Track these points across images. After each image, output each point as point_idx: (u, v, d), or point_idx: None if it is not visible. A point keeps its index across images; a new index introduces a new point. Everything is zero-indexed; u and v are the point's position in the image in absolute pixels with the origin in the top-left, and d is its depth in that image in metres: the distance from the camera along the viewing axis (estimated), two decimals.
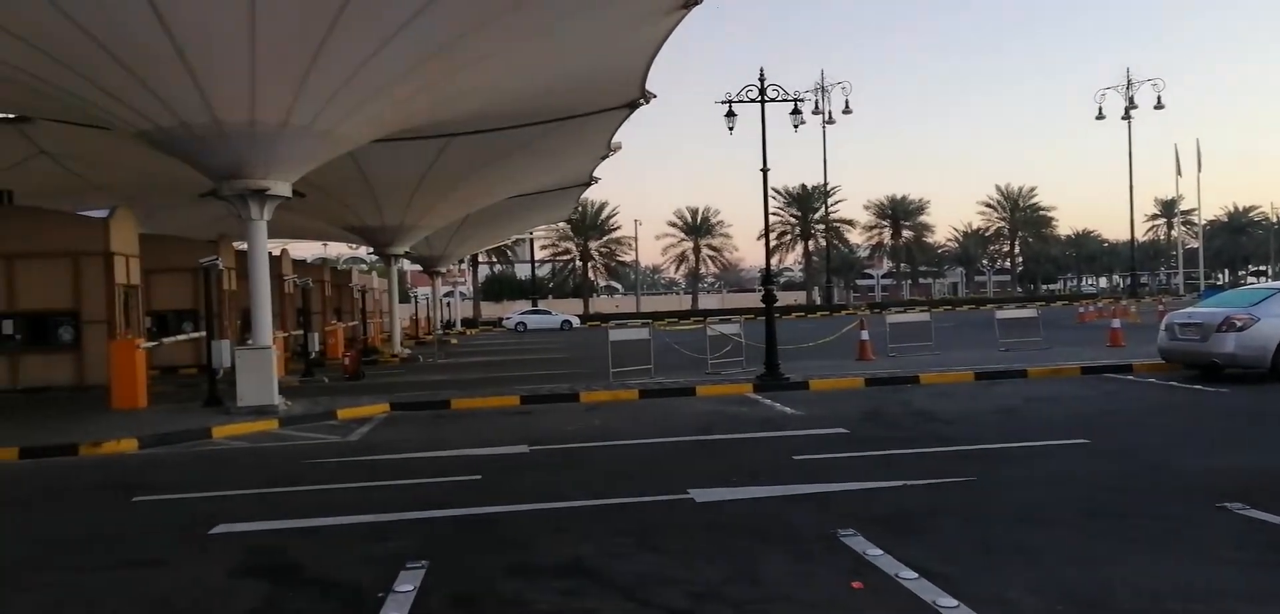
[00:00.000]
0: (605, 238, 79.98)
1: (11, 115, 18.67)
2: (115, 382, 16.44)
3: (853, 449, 10.57)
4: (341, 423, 14.58)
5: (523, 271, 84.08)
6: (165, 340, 22.11)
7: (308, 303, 27.06)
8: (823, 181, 76.80)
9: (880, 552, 6.11)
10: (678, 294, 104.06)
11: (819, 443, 11.02)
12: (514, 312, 62.01)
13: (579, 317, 61.98)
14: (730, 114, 17.96)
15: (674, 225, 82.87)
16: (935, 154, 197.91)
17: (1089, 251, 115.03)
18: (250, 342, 16.10)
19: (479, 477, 9.67)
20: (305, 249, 56.11)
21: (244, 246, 29.13)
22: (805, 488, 8.39)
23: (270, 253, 16.73)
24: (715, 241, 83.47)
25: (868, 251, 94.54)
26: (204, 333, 22.18)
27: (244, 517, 8.10)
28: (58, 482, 10.43)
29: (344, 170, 20.99)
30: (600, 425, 13.32)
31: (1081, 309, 44.27)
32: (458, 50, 14.16)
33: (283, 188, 15.41)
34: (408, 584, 5.80)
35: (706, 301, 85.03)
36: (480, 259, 74.95)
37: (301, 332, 25.68)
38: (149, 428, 13.48)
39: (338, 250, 68.41)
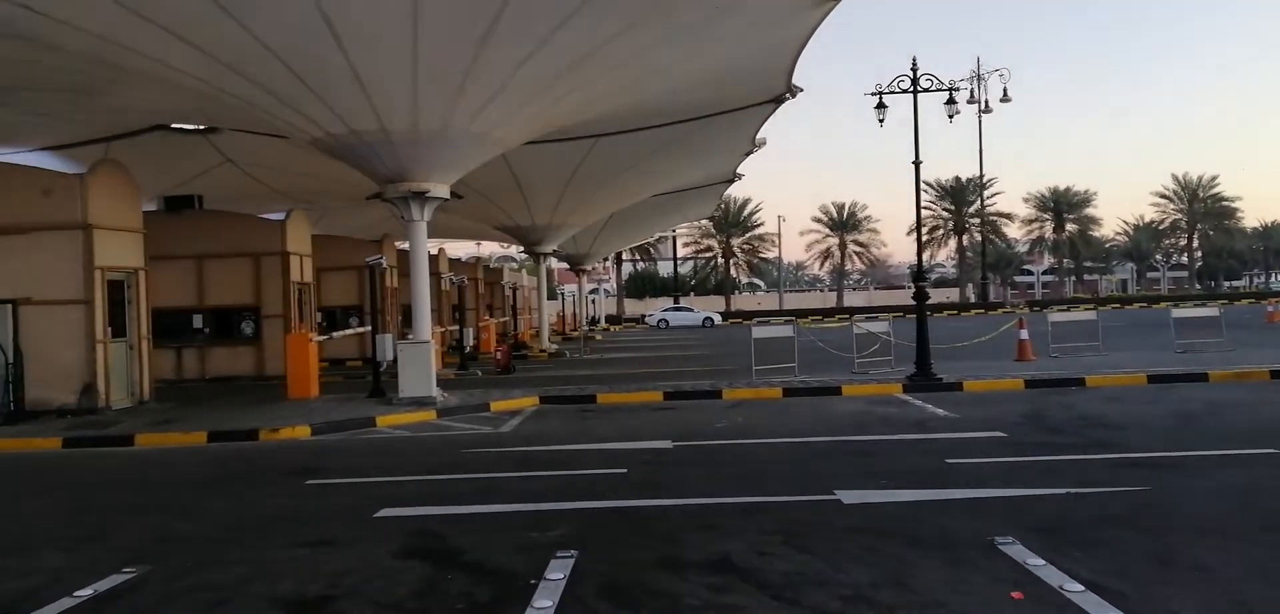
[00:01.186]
0: (748, 234, 79.48)
1: (203, 127, 20.38)
2: (290, 373, 17.69)
3: (1011, 454, 10.10)
4: (494, 414, 15.14)
5: (665, 269, 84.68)
6: (334, 334, 23.59)
7: (463, 299, 28.24)
8: (978, 173, 73.51)
9: (1042, 561, 5.82)
10: (822, 291, 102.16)
11: (974, 447, 10.59)
12: (656, 309, 62.60)
13: (720, 314, 61.88)
14: (881, 106, 17.49)
15: (818, 221, 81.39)
16: (1102, 143, 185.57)
17: (1279, 245, 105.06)
18: (411, 336, 16.97)
19: (624, 470, 9.83)
20: (460, 248, 58.50)
21: (405, 246, 30.72)
22: (959, 493, 8.09)
23: (428, 252, 17.57)
24: (862, 237, 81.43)
25: (1027, 246, 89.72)
26: (369, 327, 23.53)
27: (406, 501, 8.56)
28: (242, 465, 11.32)
29: (497, 172, 21.78)
30: (744, 422, 13.28)
31: (1270, 308, 40.45)
32: (607, 52, 14.43)
33: (442, 190, 16.15)
34: (558, 573, 5.98)
35: (852, 299, 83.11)
36: (624, 257, 76.06)
37: (457, 327, 26.84)
38: (320, 416, 14.44)
39: (490, 249, 70.98)
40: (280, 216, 23.53)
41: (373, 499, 8.64)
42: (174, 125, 19.98)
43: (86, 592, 6.01)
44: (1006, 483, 8.45)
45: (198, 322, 22.58)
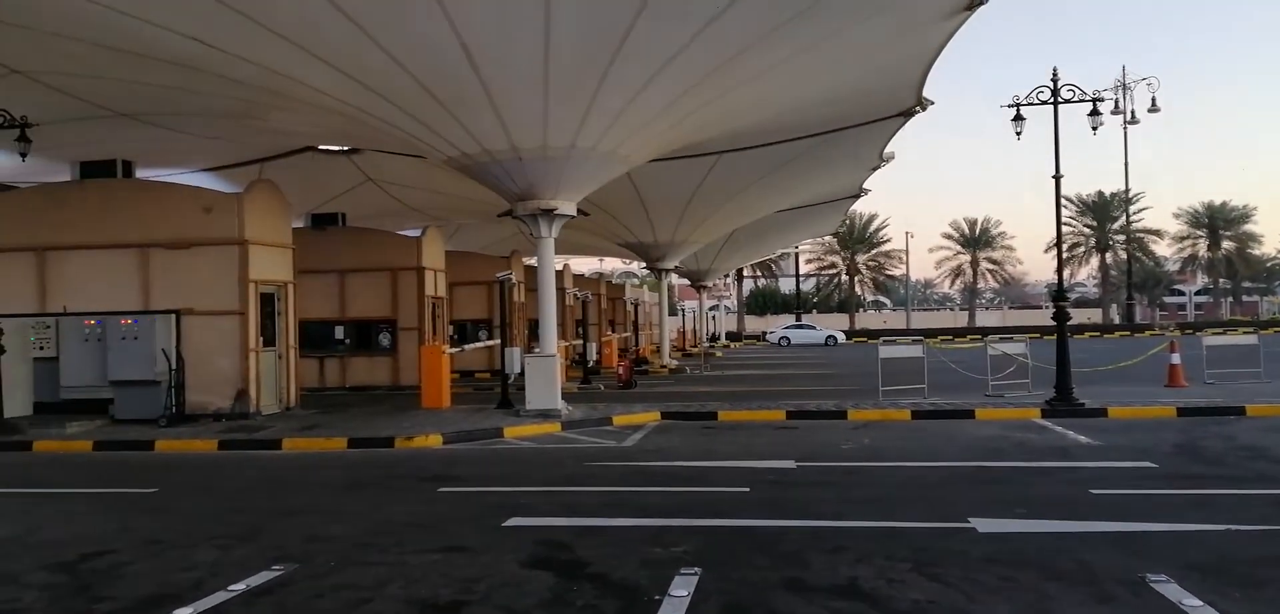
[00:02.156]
0: (873, 251, 77.67)
1: (347, 148, 21.53)
2: (424, 383, 18.39)
3: (1162, 486, 9.48)
4: (617, 428, 15.31)
5: (787, 286, 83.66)
6: (465, 347, 24.39)
7: (586, 315, 28.72)
8: (1123, 187, 69.49)
9: (1199, 602, 5.44)
10: (952, 310, 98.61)
11: (1121, 477, 10.00)
12: (777, 326, 61.88)
13: (844, 332, 60.61)
14: (1018, 118, 16.79)
15: (949, 237, 78.69)
16: (1262, 156, 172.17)
17: None
18: (537, 350, 17.37)
19: (747, 489, 9.76)
20: (583, 264, 59.61)
21: (533, 262, 31.48)
22: (1105, 525, 7.65)
23: (555, 268, 17.96)
24: (995, 254, 78.23)
25: (1177, 265, 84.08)
26: (497, 341, 24.22)
27: (533, 511, 8.76)
28: (379, 471, 11.84)
29: (621, 190, 22.10)
30: (871, 445, 12.96)
31: None
32: (732, 70, 14.45)
33: (569, 207, 16.50)
34: (682, 589, 5.99)
35: (985, 318, 79.90)
36: (745, 273, 75.61)
37: (580, 341, 27.31)
38: (451, 426, 14.95)
39: (612, 265, 72.01)
40: (416, 233, 24.55)
41: (502, 508, 8.87)
42: (321, 147, 21.21)
43: (239, 586, 6.41)
44: (1158, 517, 7.93)
45: (339, 333, 23.77)
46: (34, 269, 17.05)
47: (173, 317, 16.51)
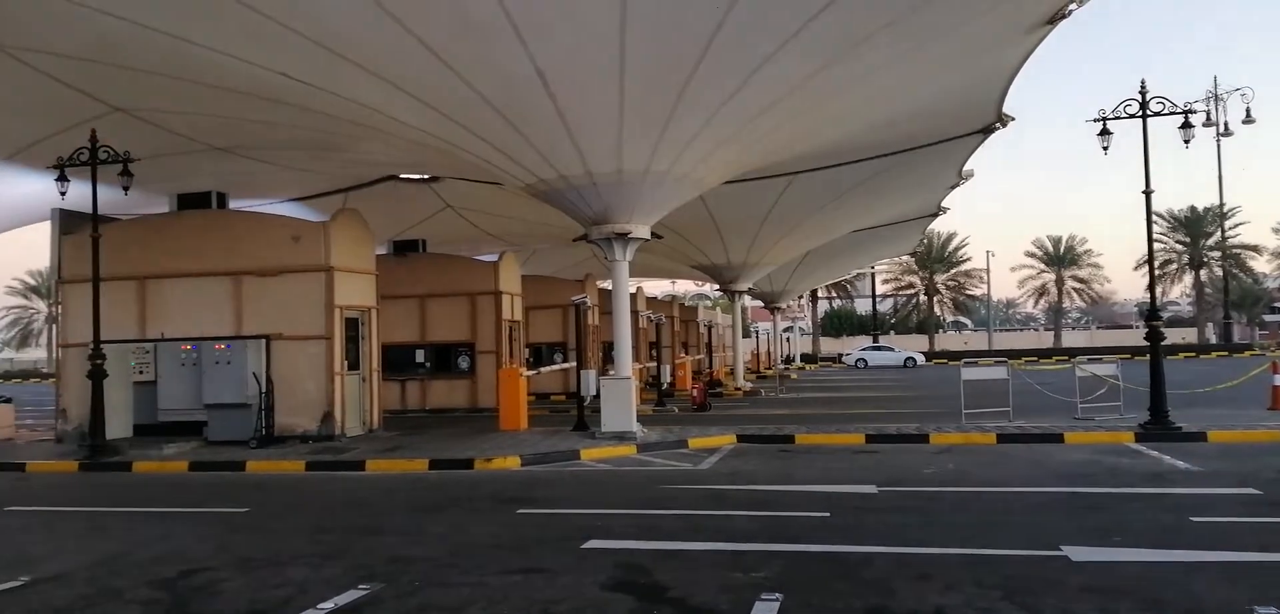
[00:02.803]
0: (952, 270, 75.89)
1: (427, 176, 22.08)
2: (502, 406, 18.64)
3: (1268, 514, 9.01)
4: (692, 451, 15.25)
5: (863, 306, 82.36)
6: (541, 370, 24.65)
7: (659, 337, 28.77)
8: (1218, 202, 66.56)
9: None
10: (1036, 330, 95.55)
11: (1222, 504, 9.54)
12: (854, 347, 60.87)
13: (923, 353, 59.29)
14: (1105, 132, 16.25)
15: (1032, 255, 76.38)
16: None
17: None
18: (612, 372, 17.45)
19: (827, 514, 9.61)
20: (656, 286, 59.74)
21: (606, 285, 31.66)
22: (1207, 555, 7.30)
23: (628, 290, 18.05)
24: (1081, 272, 75.63)
25: (1279, 282, 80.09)
26: (572, 363, 24.40)
27: (612, 534, 8.78)
28: (460, 491, 12.02)
29: (694, 212, 22.13)
30: (955, 469, 12.63)
31: None
32: (806, 92, 14.37)
33: (642, 230, 16.60)
34: None
35: (1071, 338, 77.23)
36: (819, 294, 74.72)
37: (654, 363, 27.33)
38: (529, 448, 15.11)
39: (685, 287, 71.96)
40: (493, 258, 24.97)
41: (580, 530, 8.91)
42: (403, 176, 21.80)
43: (328, 605, 6.58)
44: (1264, 546, 7.54)
45: (420, 356, 24.30)
46: (135, 297, 17.88)
47: (263, 342, 17.10)
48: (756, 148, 16.70)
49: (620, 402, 16.36)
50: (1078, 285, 76.34)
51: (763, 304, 47.05)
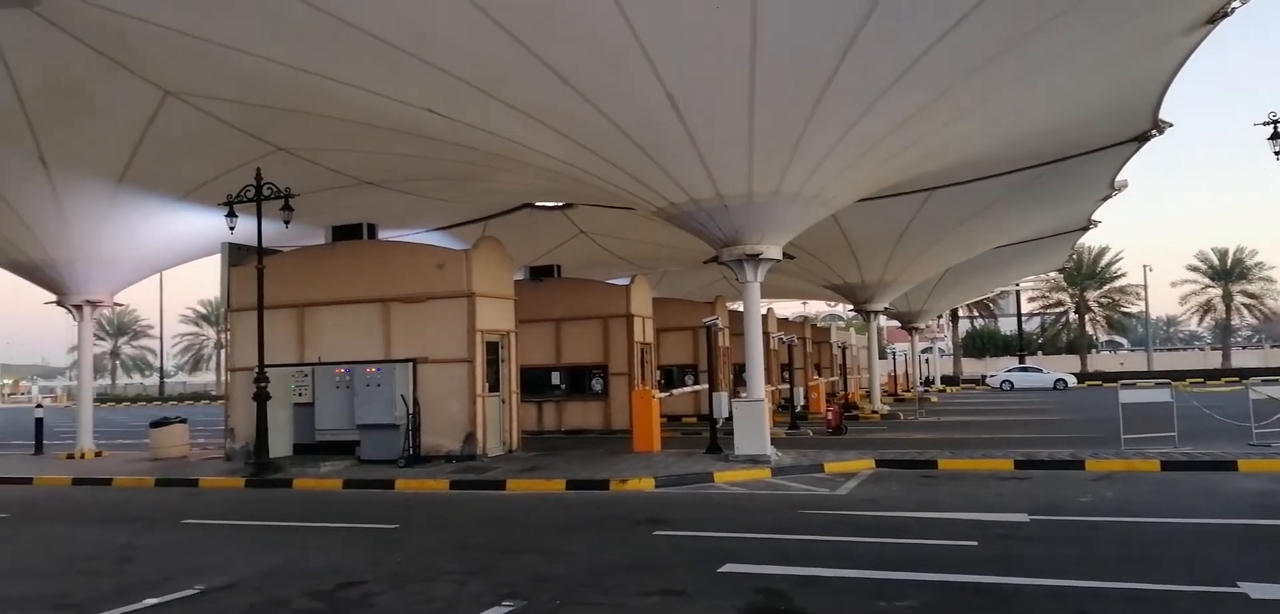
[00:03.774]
0: (1105, 286, 71.55)
1: (561, 203, 22.66)
2: (635, 427, 18.81)
3: None
4: (829, 476, 14.94)
5: (1007, 326, 78.78)
6: (673, 392, 24.75)
7: (791, 358, 28.38)
8: None
9: None
10: (1201, 349, 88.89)
11: None
12: (998, 368, 58.23)
13: (1075, 375, 56.08)
14: (1276, 135, 15.04)
15: (1194, 269, 71.20)
16: None
17: None
18: (744, 395, 17.33)
19: (975, 543, 9.21)
20: (786, 307, 59.05)
21: (737, 306, 31.53)
22: None
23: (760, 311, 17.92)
24: (1251, 286, 69.87)
25: None
26: (703, 385, 24.41)
27: (749, 558, 8.69)
28: (595, 512, 12.19)
29: (826, 231, 21.79)
30: (1114, 498, 11.87)
31: None
32: (943, 106, 13.95)
33: (774, 251, 16.46)
34: None
35: (1242, 358, 71.42)
36: (960, 313, 71.97)
37: (786, 385, 26.95)
38: (662, 470, 15.18)
39: (816, 308, 70.85)
40: (625, 282, 25.31)
41: (717, 554, 8.87)
42: (537, 203, 22.45)
43: None
44: None
45: (555, 378, 24.84)
46: (294, 324, 19.09)
47: (410, 365, 17.90)
48: (889, 166, 16.31)
49: (753, 424, 16.23)
50: (1248, 301, 70.60)
51: (899, 324, 45.74)
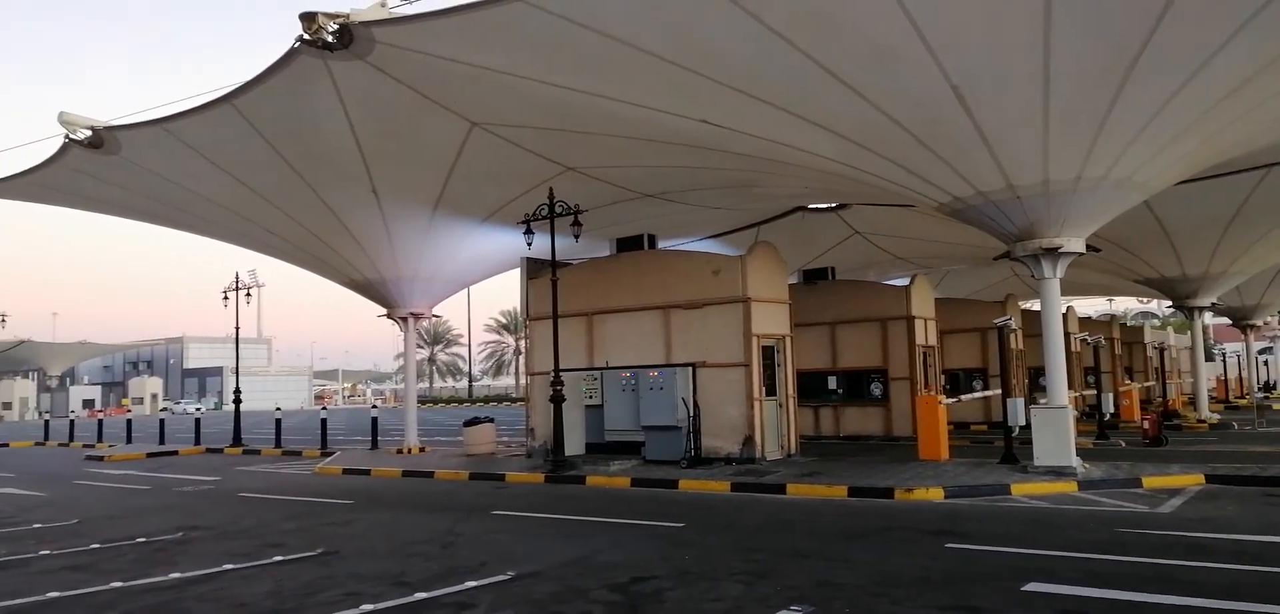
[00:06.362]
0: None
1: (834, 205, 22.28)
2: (920, 434, 18.03)
3: None
4: (1147, 492, 13.43)
5: None
6: (961, 397, 23.43)
7: (1097, 361, 25.82)
8: None
9: None
10: None
11: None
12: None
13: None
14: None
15: None
16: None
17: None
18: (1043, 401, 16.01)
19: None
20: (1089, 305, 53.85)
21: (1030, 305, 29.35)
22: None
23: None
24: None
25: None
26: (993, 391, 22.87)
27: (1056, 577, 8.03)
28: (880, 520, 11.83)
29: (1135, 219, 19.60)
30: None
31: None
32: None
33: (1075, 244, 15.11)
34: None
35: None
36: None
37: (1091, 391, 24.55)
38: (951, 479, 14.41)
39: (1124, 305, 63.94)
40: (903, 282, 24.37)
41: (1017, 570, 8.29)
42: (809, 206, 22.24)
43: None
44: None
45: (832, 383, 24.43)
46: (584, 330, 20.36)
47: (690, 369, 18.44)
48: (1216, 142, 14.36)
49: (1056, 433, 14.98)
50: None
51: (1229, 321, 40.16)
